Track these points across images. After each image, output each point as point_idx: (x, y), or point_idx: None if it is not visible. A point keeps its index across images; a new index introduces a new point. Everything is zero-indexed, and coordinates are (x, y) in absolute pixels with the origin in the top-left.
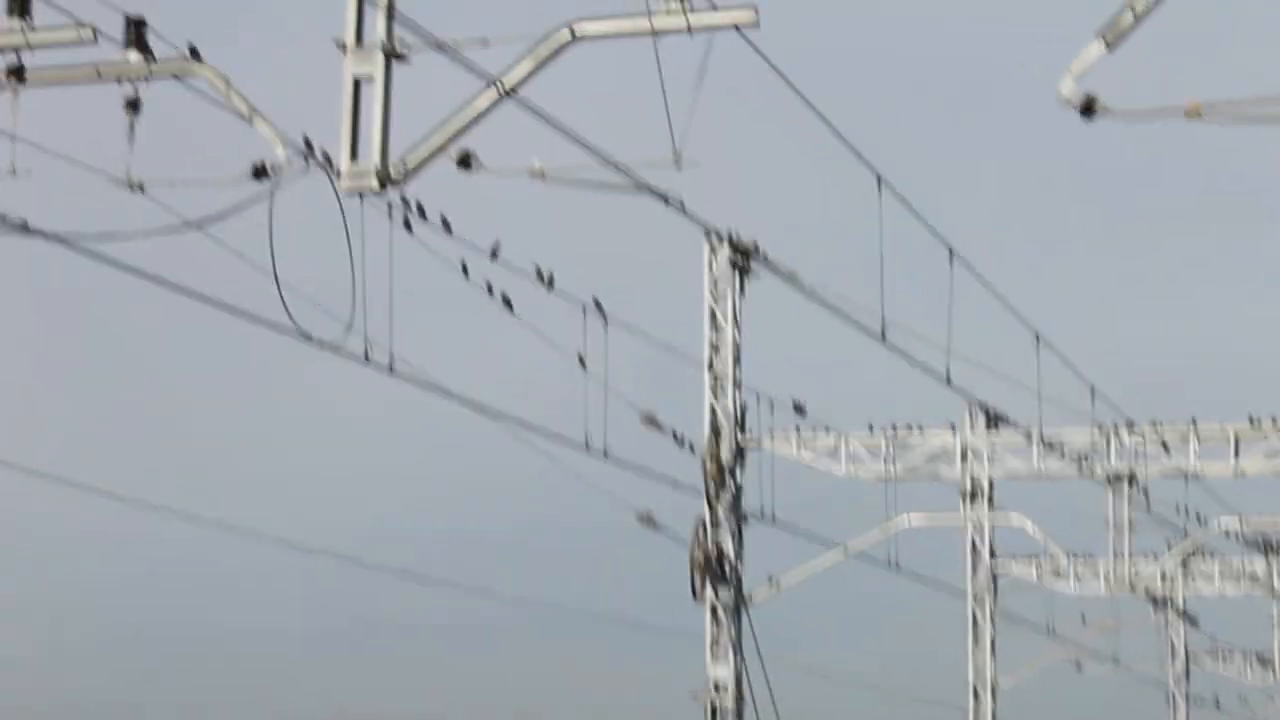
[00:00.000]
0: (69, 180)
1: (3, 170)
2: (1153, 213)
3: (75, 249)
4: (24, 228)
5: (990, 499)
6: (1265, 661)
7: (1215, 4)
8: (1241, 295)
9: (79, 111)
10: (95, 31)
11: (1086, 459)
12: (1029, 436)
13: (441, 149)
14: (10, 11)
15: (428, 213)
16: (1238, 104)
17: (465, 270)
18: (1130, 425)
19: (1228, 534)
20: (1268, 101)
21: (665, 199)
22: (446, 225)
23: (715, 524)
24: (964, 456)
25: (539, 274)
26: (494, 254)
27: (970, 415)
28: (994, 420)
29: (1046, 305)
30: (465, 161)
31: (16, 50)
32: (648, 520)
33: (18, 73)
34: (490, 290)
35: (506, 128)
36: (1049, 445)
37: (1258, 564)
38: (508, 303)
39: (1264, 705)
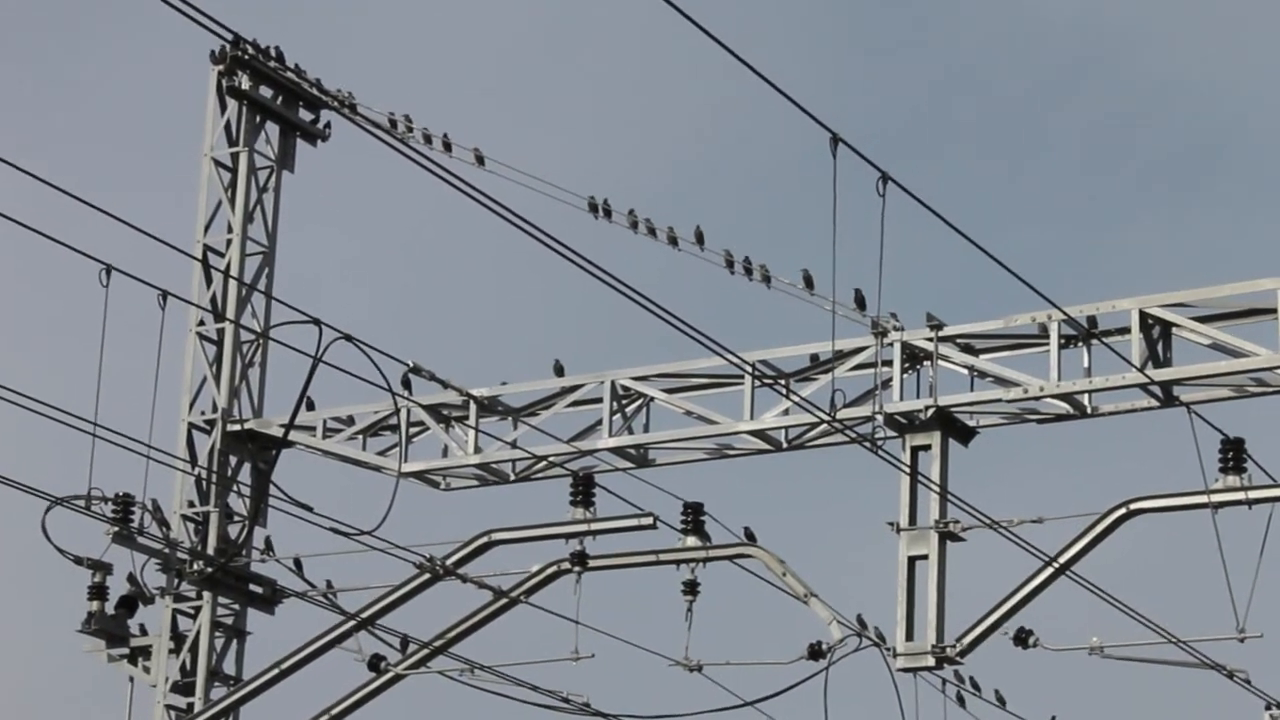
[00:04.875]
0: (628, 661)
1: (566, 653)
2: None
3: None
4: (585, 707)
5: None
6: None
7: None
8: None
9: (638, 595)
10: (655, 519)
11: None
12: None
13: (996, 626)
14: (574, 502)
15: (982, 688)
16: None
17: None
18: None
19: None
20: None
21: (1228, 673)
22: (1001, 701)
23: None
24: None
25: None
26: None
27: None
28: None
29: None
30: (1022, 639)
31: (580, 538)
32: None
33: (581, 559)
34: None
35: (1063, 602)
36: None
37: None
38: None
39: None
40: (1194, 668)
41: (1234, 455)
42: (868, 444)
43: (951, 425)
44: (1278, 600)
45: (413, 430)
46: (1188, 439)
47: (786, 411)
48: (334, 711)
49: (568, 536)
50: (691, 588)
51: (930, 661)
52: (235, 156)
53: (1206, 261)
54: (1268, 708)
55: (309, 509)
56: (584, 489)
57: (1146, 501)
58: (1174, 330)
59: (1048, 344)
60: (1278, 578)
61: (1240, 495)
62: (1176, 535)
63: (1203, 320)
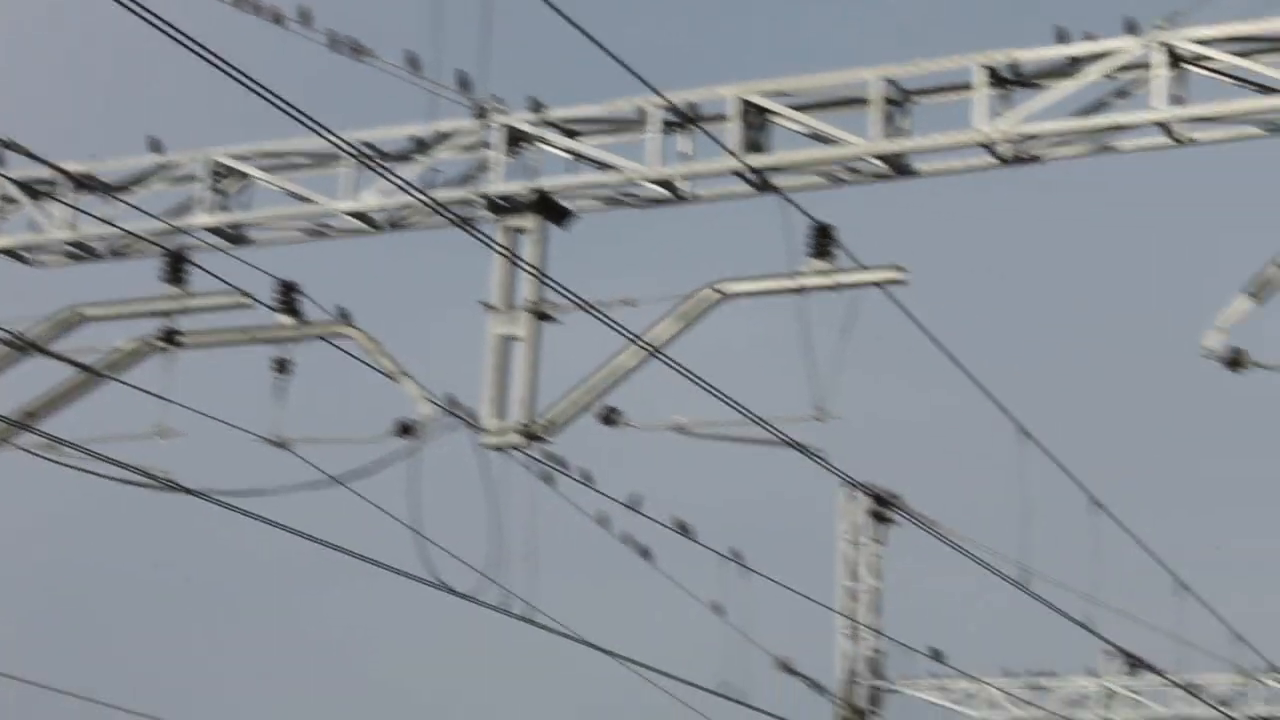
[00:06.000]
0: (218, 439)
1: (153, 430)
2: None
3: (220, 504)
4: (171, 484)
5: None
6: None
7: None
8: None
9: (230, 374)
10: (250, 296)
11: (1229, 704)
12: (1169, 681)
13: (586, 407)
14: (165, 278)
15: (569, 467)
16: None
17: (605, 523)
18: (1276, 670)
19: None
20: None
21: (807, 452)
22: (588, 479)
23: None
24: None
25: (678, 525)
26: (634, 507)
27: (1109, 661)
28: (1134, 665)
29: (1192, 558)
30: (609, 418)
31: (171, 315)
32: None
33: (170, 337)
34: (630, 542)
35: (651, 382)
36: (1190, 690)
37: None
38: (646, 553)
39: None
40: (775, 446)
41: (822, 240)
42: (466, 226)
43: (550, 209)
44: (857, 384)
45: (3, 205)
46: (782, 227)
47: (386, 193)
48: None
49: (159, 314)
50: (283, 366)
51: (517, 440)
52: None
53: (812, 55)
54: (844, 485)
55: None
56: (176, 266)
57: (735, 284)
58: (773, 118)
59: (648, 130)
60: (861, 361)
61: (828, 280)
62: (769, 320)
63: (801, 109)
